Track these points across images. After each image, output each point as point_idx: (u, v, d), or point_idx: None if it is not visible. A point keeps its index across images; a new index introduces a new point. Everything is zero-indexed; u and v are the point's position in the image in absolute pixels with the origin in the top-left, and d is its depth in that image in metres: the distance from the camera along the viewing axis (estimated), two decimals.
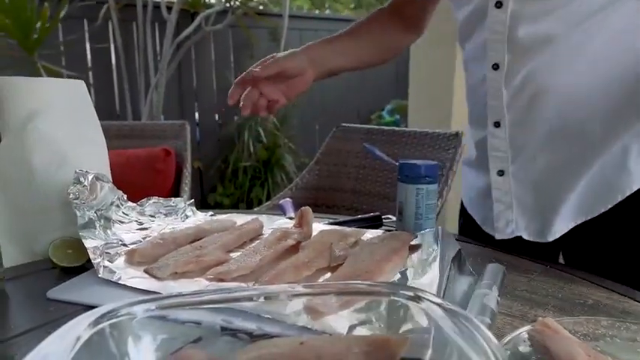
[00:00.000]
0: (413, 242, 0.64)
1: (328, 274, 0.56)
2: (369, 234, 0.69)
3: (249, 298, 0.40)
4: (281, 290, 0.42)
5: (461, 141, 1.34)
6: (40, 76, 2.23)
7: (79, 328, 0.33)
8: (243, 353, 0.35)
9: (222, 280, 0.54)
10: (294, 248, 0.63)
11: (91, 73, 2.96)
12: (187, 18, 3.12)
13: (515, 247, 0.75)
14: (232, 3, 3.23)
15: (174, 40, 2.97)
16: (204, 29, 3.11)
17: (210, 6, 3.21)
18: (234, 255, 0.62)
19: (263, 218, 0.78)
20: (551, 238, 0.74)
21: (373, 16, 0.90)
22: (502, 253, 0.75)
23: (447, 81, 2.19)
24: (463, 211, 0.89)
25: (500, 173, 0.74)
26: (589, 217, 0.71)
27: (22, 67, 2.29)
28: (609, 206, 0.69)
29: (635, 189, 0.68)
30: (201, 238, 0.67)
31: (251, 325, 0.40)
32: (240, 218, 0.78)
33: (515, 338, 0.47)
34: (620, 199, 0.68)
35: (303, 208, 0.74)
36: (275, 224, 0.77)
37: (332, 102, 3.97)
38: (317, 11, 7.02)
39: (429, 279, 0.53)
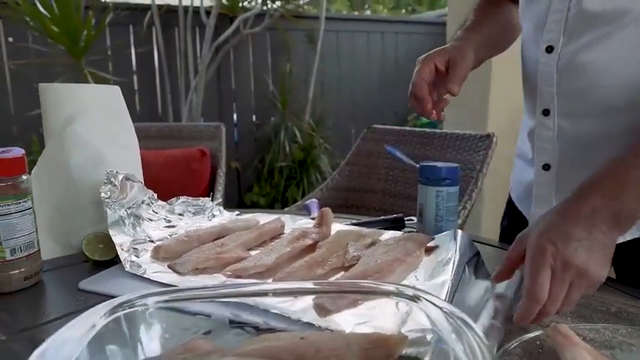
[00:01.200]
0: (430, 244, 0.65)
1: (341, 273, 0.58)
2: (387, 235, 0.70)
3: (259, 294, 0.42)
4: (290, 287, 0.44)
5: (492, 143, 1.32)
6: (87, 81, 2.36)
7: (95, 316, 0.35)
8: (248, 345, 0.37)
9: (239, 277, 0.57)
10: (312, 247, 0.65)
11: (135, 77, 3.10)
12: (226, 22, 3.20)
13: None
14: (270, 6, 3.29)
15: (213, 44, 3.06)
16: (242, 32, 3.19)
17: (248, 9, 3.28)
18: (253, 253, 0.64)
19: (286, 218, 0.80)
20: None
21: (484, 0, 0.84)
22: None
23: (483, 81, 2.15)
24: (510, 209, 0.84)
25: (546, 167, 0.70)
26: None
27: (71, 73, 2.42)
28: None
29: None
30: (224, 236, 0.70)
31: (258, 319, 0.42)
32: (263, 218, 0.80)
33: (525, 343, 0.47)
34: None
35: (323, 208, 0.75)
36: (296, 224, 0.79)
37: (368, 103, 3.97)
38: (356, 12, 7.02)
39: (440, 281, 0.53)
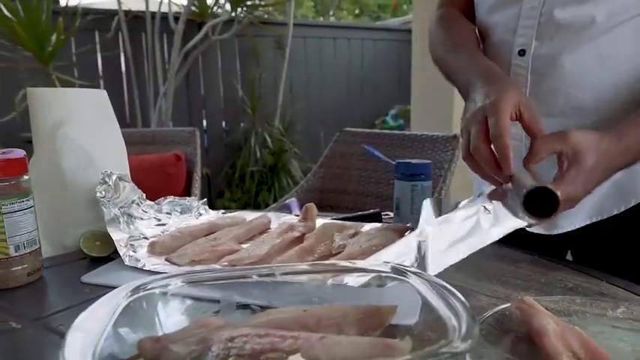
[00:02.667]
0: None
1: (330, 260, 0.62)
2: (368, 226, 0.75)
3: (266, 274, 0.46)
4: (292, 268, 0.48)
5: (459, 143, 1.40)
6: (55, 86, 2.32)
7: (119, 296, 0.39)
8: (255, 319, 0.42)
9: (234, 267, 0.61)
10: (299, 239, 0.69)
11: (102, 83, 3.06)
12: (194, 28, 3.21)
13: (525, 241, 0.76)
14: (238, 12, 3.32)
15: (182, 50, 3.06)
16: (211, 38, 3.20)
17: (217, 16, 3.30)
18: (244, 246, 0.68)
19: (271, 215, 0.84)
20: (555, 232, 0.75)
21: (448, 16, 0.84)
22: (497, 244, 0.80)
23: (448, 85, 2.25)
24: None
25: None
26: (600, 219, 0.71)
27: (37, 78, 2.38)
28: (622, 209, 0.70)
29: None
30: (214, 232, 0.74)
31: (262, 302, 0.46)
32: (249, 215, 0.84)
33: (497, 314, 0.52)
34: (633, 203, 0.69)
35: (307, 204, 0.80)
36: (281, 220, 0.83)
37: (336, 108, 4.05)
38: (321, 19, 7.11)
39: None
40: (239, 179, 3.45)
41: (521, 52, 0.69)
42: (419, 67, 2.61)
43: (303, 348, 0.36)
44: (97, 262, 0.66)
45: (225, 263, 0.61)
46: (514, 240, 0.76)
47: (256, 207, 3.38)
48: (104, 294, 0.40)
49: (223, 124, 3.61)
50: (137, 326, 0.40)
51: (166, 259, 0.63)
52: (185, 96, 3.36)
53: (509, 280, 0.63)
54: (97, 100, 0.81)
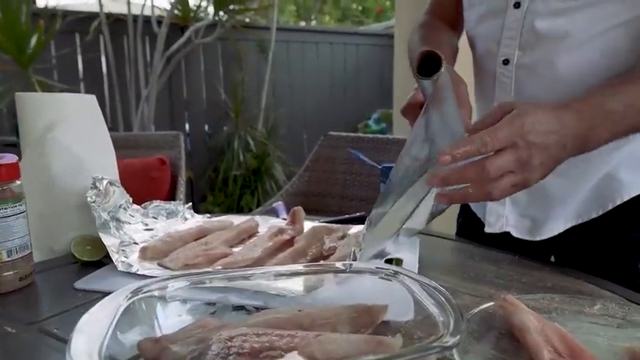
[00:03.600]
0: None
1: (322, 262, 0.64)
2: (355, 229, 0.77)
3: (263, 276, 0.47)
4: (288, 269, 0.50)
5: None
6: (34, 89, 2.29)
7: (119, 298, 0.40)
8: (252, 319, 0.43)
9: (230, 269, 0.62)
10: (289, 242, 0.71)
11: (82, 86, 3.02)
12: (177, 31, 3.20)
13: (510, 246, 0.79)
14: (221, 16, 3.32)
15: (165, 53, 3.05)
16: (193, 42, 3.19)
17: (200, 19, 3.30)
18: (236, 249, 0.69)
19: (258, 218, 0.86)
20: (539, 238, 0.78)
21: (430, 23, 0.89)
22: (474, 245, 0.83)
23: None
24: (464, 210, 0.92)
25: None
26: (580, 222, 0.75)
27: (16, 81, 2.34)
28: (601, 212, 0.73)
29: (625, 199, 0.72)
30: (203, 236, 0.75)
31: (258, 303, 0.47)
32: (236, 219, 0.85)
33: (481, 312, 0.55)
34: (610, 207, 0.73)
35: (295, 207, 0.82)
36: (269, 223, 0.84)
37: (319, 112, 4.07)
38: (303, 23, 7.14)
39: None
40: (222, 183, 3.44)
41: (505, 62, 0.73)
42: (401, 72, 2.65)
43: (300, 346, 0.37)
44: (87, 265, 0.66)
45: (220, 267, 0.62)
46: (501, 246, 0.79)
47: (239, 211, 3.37)
48: (98, 298, 0.40)
49: (206, 127, 3.61)
50: (137, 327, 0.41)
51: (159, 264, 0.64)
52: (167, 99, 3.35)
53: (492, 280, 0.65)
54: (86, 104, 0.81)
